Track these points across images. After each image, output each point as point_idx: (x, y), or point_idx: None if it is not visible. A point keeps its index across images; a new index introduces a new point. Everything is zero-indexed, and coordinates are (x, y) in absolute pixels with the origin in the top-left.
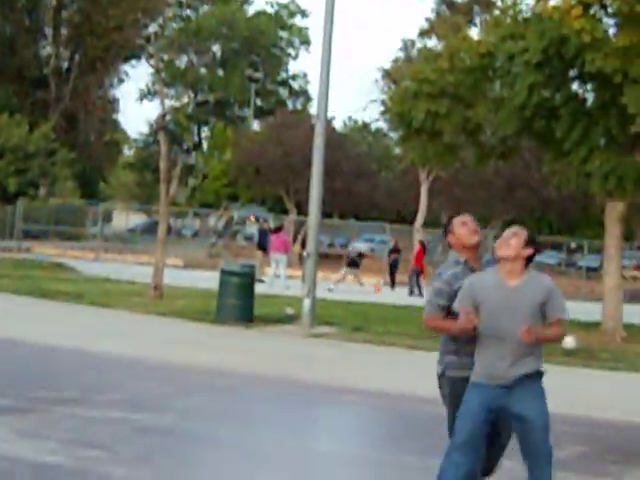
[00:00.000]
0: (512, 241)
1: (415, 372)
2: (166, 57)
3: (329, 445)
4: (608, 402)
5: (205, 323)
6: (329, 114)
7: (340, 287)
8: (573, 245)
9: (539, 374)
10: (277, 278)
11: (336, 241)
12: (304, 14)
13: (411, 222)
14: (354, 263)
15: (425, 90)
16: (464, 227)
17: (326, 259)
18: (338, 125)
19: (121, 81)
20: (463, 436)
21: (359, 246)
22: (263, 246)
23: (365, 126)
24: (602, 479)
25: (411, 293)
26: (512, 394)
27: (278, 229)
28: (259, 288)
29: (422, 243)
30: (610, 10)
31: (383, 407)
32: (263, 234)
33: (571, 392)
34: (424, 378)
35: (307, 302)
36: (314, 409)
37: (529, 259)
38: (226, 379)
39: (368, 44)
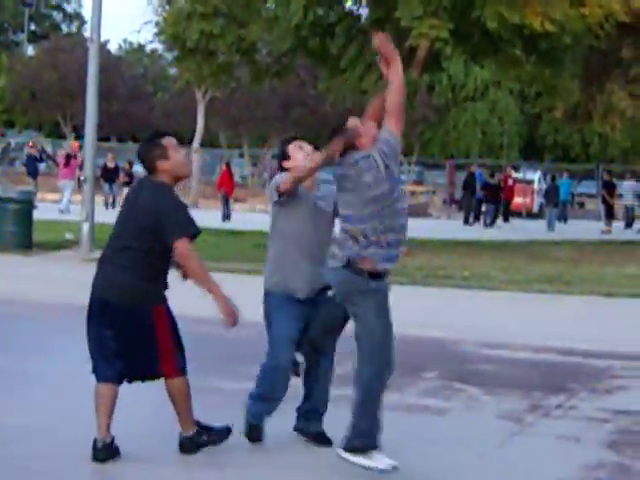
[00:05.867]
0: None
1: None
2: None
3: None
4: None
5: None
6: (104, 37)
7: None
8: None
9: None
10: (71, 204)
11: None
12: None
13: (189, 142)
14: (130, 182)
15: (198, 10)
16: (301, 151)
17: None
18: (113, 48)
19: None
20: None
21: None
22: (33, 172)
23: (140, 48)
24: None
25: (225, 218)
26: None
27: (68, 157)
28: (37, 214)
29: (228, 165)
30: None
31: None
32: (31, 161)
33: None
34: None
35: (86, 226)
36: None
37: None
38: (4, 307)
39: None
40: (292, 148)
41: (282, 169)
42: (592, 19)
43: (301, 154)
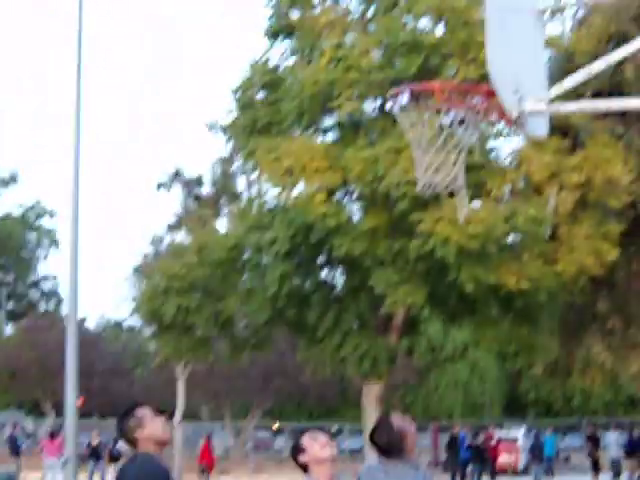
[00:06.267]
0: None
1: None
2: None
3: None
4: None
5: None
6: (81, 314)
7: None
8: (334, 429)
9: None
10: None
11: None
12: (51, 214)
13: (170, 417)
14: (115, 459)
15: (175, 285)
16: (315, 443)
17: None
18: (92, 324)
19: None
20: None
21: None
22: (14, 451)
23: (118, 325)
24: None
25: None
26: None
27: (52, 434)
28: None
29: (208, 438)
30: (355, 195)
31: None
32: (13, 440)
33: None
34: None
35: None
36: None
37: None
38: None
39: (119, 241)
40: (307, 440)
41: (297, 462)
42: (566, 275)
43: (316, 446)
